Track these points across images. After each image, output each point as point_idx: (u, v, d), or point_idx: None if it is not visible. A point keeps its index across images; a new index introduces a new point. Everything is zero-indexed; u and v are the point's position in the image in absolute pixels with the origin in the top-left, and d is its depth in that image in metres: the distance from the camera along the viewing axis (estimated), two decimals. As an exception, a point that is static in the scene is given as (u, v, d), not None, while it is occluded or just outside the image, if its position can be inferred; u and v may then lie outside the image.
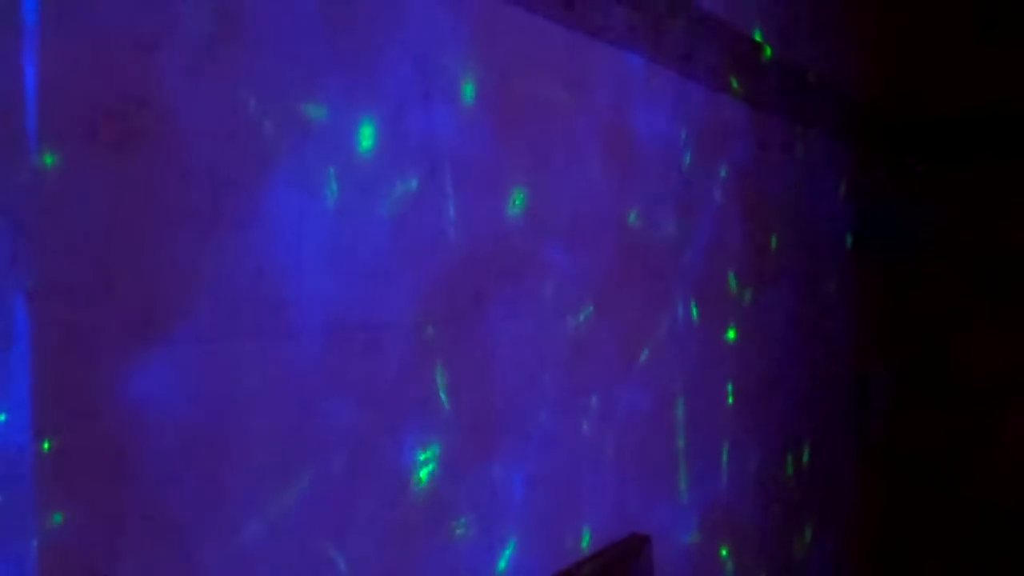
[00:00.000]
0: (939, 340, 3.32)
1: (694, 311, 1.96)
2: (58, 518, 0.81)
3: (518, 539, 1.42)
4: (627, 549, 1.65)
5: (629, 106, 1.71)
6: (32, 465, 0.79)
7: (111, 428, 0.86)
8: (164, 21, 0.90)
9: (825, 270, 2.78)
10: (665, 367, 1.85)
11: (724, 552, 2.10)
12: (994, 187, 3.20)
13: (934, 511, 3.33)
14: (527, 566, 1.44)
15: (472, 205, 1.32)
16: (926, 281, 3.33)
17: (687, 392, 1.94)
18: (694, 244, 1.96)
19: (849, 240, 3.00)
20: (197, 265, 0.94)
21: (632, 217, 1.73)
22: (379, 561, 1.16)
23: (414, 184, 1.22)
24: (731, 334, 2.13)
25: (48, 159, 0.81)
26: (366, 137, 1.14)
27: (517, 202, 1.42)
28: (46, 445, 0.80)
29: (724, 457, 2.10)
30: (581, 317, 1.57)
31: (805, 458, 2.61)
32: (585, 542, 1.58)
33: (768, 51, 2.27)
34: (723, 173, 2.08)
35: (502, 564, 1.38)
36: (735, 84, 2.09)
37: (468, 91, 1.31)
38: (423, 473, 1.23)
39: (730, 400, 2.13)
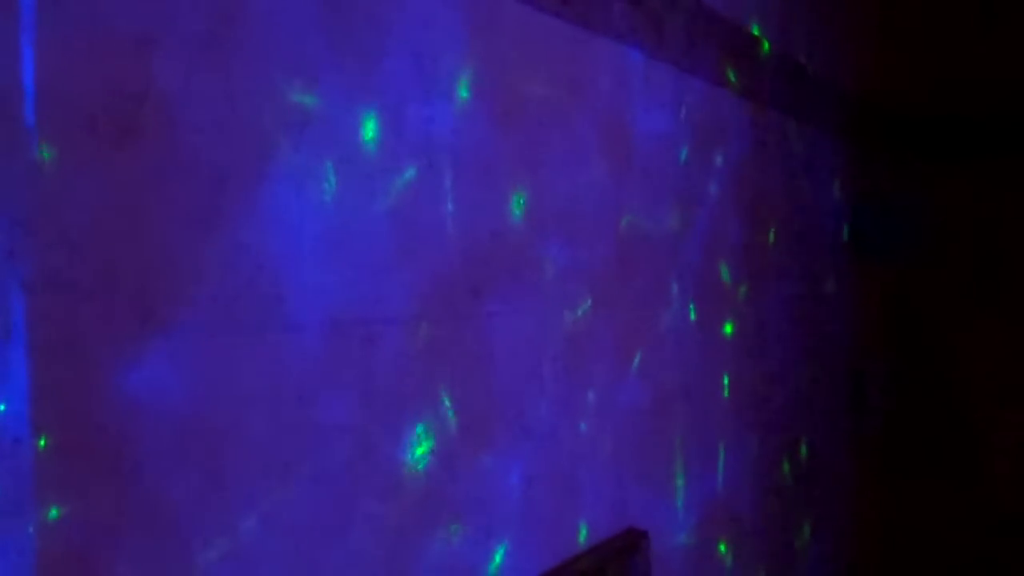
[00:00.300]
0: (937, 338, 3.32)
1: (692, 306, 1.97)
2: (55, 512, 0.81)
3: (515, 534, 1.42)
4: (624, 544, 1.65)
5: (627, 101, 1.71)
6: (30, 457, 0.79)
7: (109, 422, 0.86)
8: (163, 16, 0.90)
9: (823, 267, 2.78)
10: (663, 362, 1.85)
11: (723, 548, 2.11)
12: (994, 186, 3.21)
13: (931, 509, 3.34)
14: (524, 561, 1.44)
15: (470, 199, 1.32)
16: (924, 279, 3.33)
17: (685, 387, 1.94)
18: (692, 239, 1.96)
19: (847, 237, 3.00)
20: (196, 259, 0.94)
21: (630, 211, 1.73)
22: (376, 556, 1.17)
23: (413, 179, 1.22)
24: (728, 329, 2.14)
25: (47, 153, 0.81)
26: (365, 132, 1.14)
27: (515, 197, 1.42)
28: (43, 440, 0.80)
29: (722, 453, 2.10)
30: (579, 312, 1.58)
31: (803, 454, 2.62)
32: (582, 537, 1.59)
33: (767, 46, 2.27)
34: (721, 168, 2.08)
35: (499, 559, 1.39)
36: (733, 79, 2.09)
37: (467, 86, 1.31)
38: (420, 468, 1.23)
39: (727, 395, 2.13)
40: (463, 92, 1.30)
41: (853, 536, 3.10)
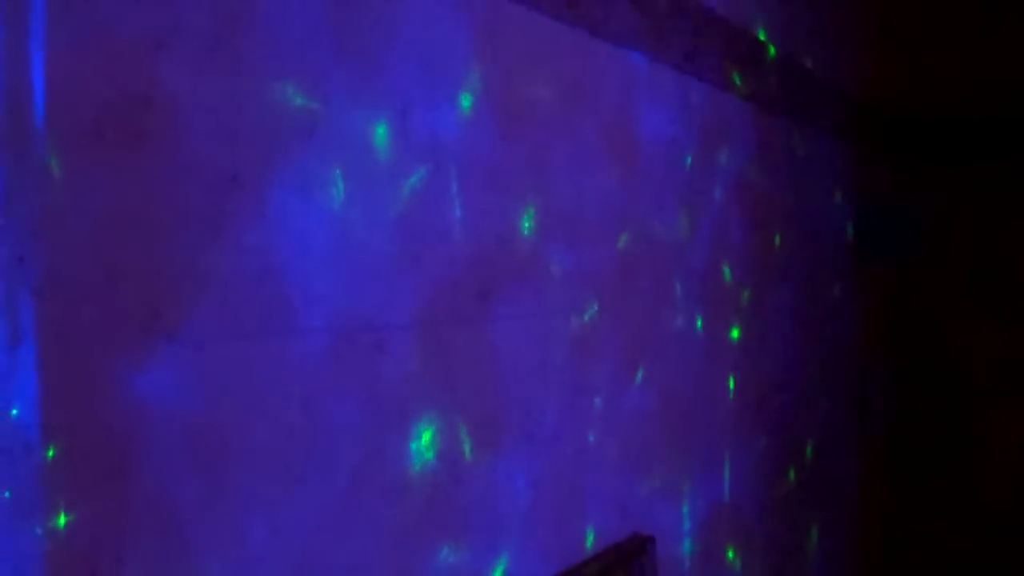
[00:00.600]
0: (939, 340, 3.32)
1: (697, 310, 1.96)
2: (63, 518, 0.81)
3: (521, 539, 1.42)
4: (631, 549, 1.65)
5: (632, 105, 1.71)
6: (40, 462, 0.79)
7: (117, 426, 0.86)
8: (170, 20, 0.90)
9: (826, 270, 2.78)
10: (668, 366, 1.85)
11: (730, 552, 2.10)
12: (994, 188, 3.20)
13: (935, 510, 3.33)
14: (530, 566, 1.43)
15: (477, 204, 1.32)
16: (927, 281, 3.33)
17: (690, 391, 1.94)
18: (697, 243, 1.96)
19: (850, 239, 3.00)
20: (203, 264, 0.94)
21: (635, 216, 1.72)
22: (382, 560, 1.16)
23: (419, 184, 1.22)
24: (734, 333, 2.13)
25: (55, 159, 0.81)
26: (372, 137, 1.14)
27: (521, 202, 1.41)
28: (52, 444, 0.80)
29: (727, 457, 2.10)
30: (585, 316, 1.57)
31: (808, 457, 2.61)
32: (589, 542, 1.58)
33: (771, 50, 2.27)
34: (725, 171, 2.08)
35: (505, 563, 1.38)
36: (738, 82, 2.09)
37: (472, 90, 1.31)
38: (426, 472, 1.23)
39: (732, 399, 2.13)
40: (469, 96, 1.30)
41: (857, 536, 3.10)
